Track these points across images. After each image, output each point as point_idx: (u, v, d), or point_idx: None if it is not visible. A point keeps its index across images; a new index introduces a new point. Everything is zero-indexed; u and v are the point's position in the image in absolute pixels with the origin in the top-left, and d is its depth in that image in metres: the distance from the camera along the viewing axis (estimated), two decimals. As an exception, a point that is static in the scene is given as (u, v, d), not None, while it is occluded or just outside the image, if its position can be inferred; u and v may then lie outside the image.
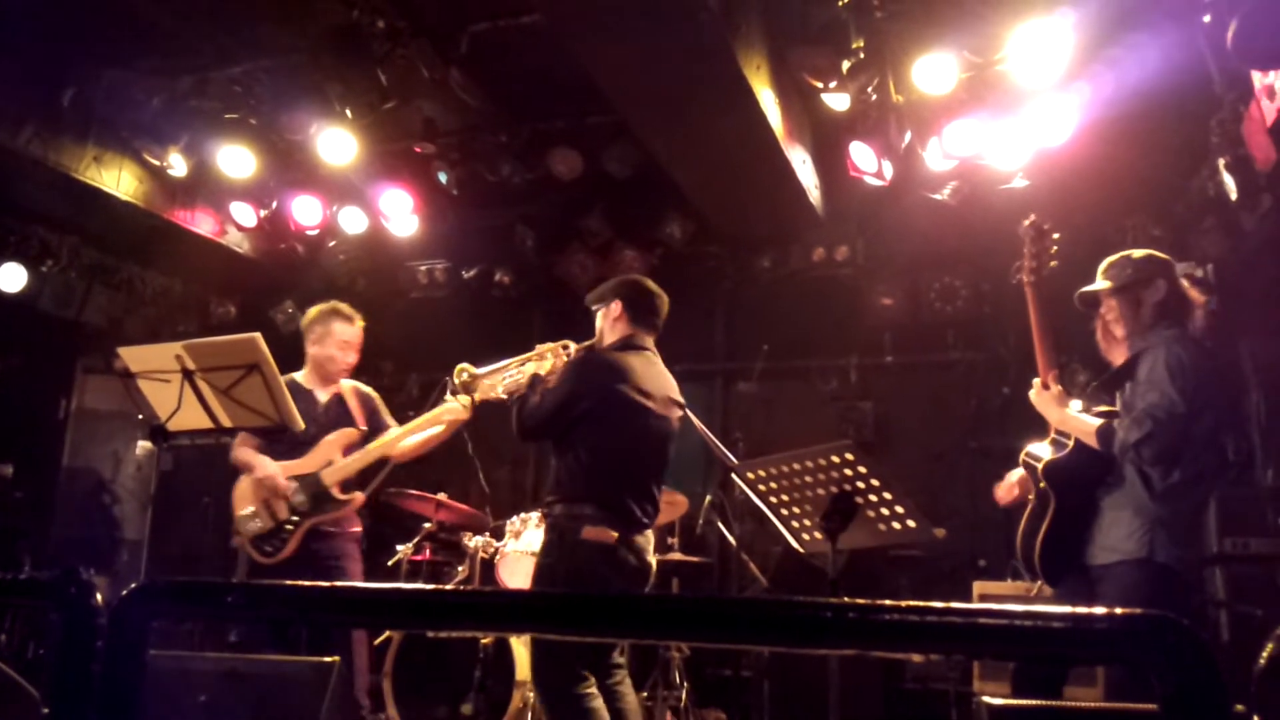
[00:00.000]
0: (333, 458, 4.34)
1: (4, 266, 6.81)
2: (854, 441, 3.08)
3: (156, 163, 6.30)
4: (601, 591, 3.37)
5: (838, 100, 5.20)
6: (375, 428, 4.57)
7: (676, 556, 5.50)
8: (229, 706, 2.61)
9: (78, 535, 7.33)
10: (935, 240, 6.52)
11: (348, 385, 4.64)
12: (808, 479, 3.06)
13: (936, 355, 6.78)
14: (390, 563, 5.40)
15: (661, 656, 5.40)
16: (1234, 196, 4.96)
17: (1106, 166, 5.60)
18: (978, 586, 5.20)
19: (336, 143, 5.92)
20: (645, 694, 5.23)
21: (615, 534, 3.43)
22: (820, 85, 5.09)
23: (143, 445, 7.61)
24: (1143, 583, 2.88)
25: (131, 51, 5.76)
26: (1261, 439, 5.49)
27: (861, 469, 2.94)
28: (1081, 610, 1.12)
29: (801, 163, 5.87)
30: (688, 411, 3.99)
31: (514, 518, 5.21)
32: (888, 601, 1.17)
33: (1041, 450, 3.19)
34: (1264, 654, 1.23)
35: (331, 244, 7.53)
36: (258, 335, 3.66)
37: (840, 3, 4.78)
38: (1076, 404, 3.21)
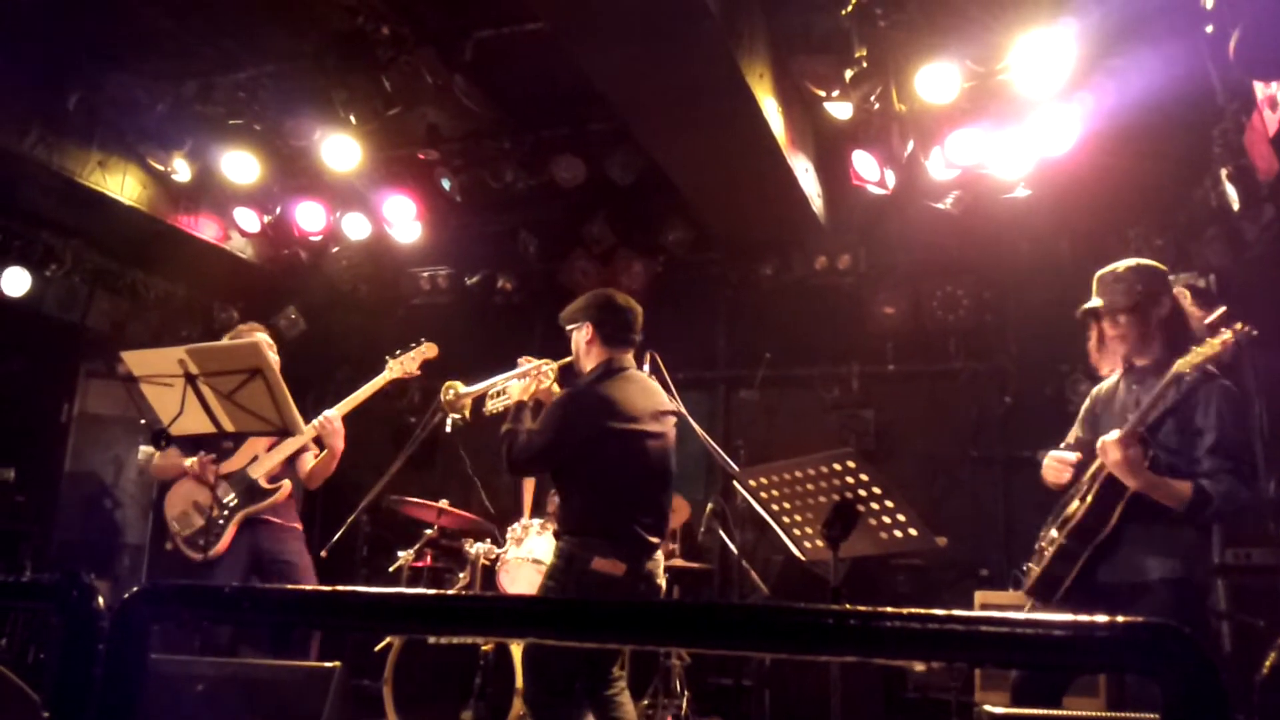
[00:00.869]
0: (257, 453, 4.50)
1: (8, 270, 6.82)
2: (855, 450, 3.07)
3: (160, 168, 6.32)
4: None
5: (840, 109, 5.21)
6: None
7: (678, 563, 5.49)
8: (230, 711, 2.61)
9: (79, 539, 7.33)
10: (937, 249, 6.53)
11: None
12: (809, 487, 3.05)
13: (938, 364, 6.78)
14: (391, 568, 5.40)
15: (662, 665, 5.40)
16: (1236, 207, 4.97)
17: (1108, 176, 5.61)
18: (979, 596, 5.19)
19: (340, 149, 5.94)
20: (646, 702, 5.22)
21: (624, 566, 3.42)
22: (823, 94, 5.10)
23: (145, 450, 7.61)
24: (1176, 601, 2.85)
25: (136, 56, 5.78)
26: (1264, 449, 5.48)
27: (863, 477, 2.93)
28: (1083, 619, 1.12)
29: (804, 171, 5.88)
30: (688, 418, 3.99)
31: (515, 524, 5.21)
32: (889, 609, 1.17)
33: (1098, 502, 3.00)
34: (1266, 664, 1.22)
35: (334, 250, 7.54)
36: (260, 340, 3.67)
37: (843, 11, 4.79)
38: None
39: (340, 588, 1.44)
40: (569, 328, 3.83)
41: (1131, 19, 4.66)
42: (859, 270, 6.78)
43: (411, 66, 5.22)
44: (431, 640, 4.94)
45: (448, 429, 4.41)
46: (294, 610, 1.55)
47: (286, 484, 4.53)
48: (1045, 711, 2.60)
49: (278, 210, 6.85)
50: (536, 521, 5.18)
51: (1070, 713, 2.67)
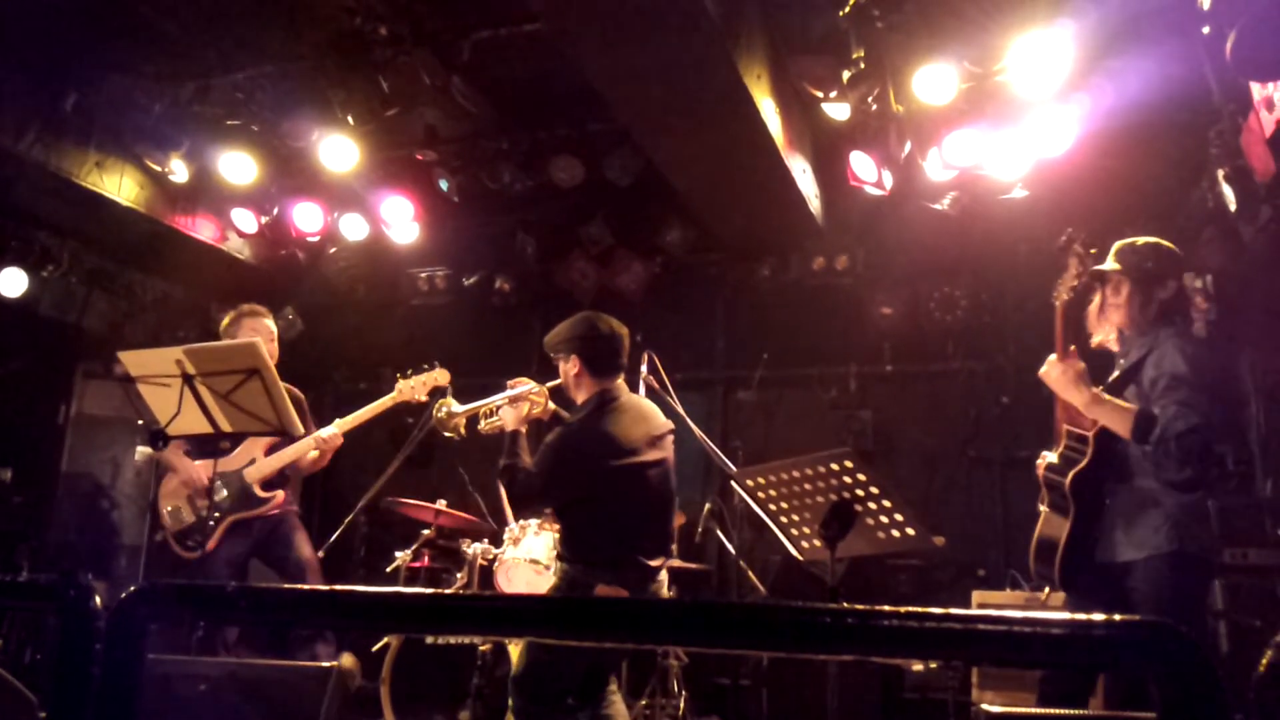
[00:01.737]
0: (255, 456, 4.51)
1: (4, 271, 6.81)
2: (853, 449, 3.07)
3: (158, 168, 6.31)
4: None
5: (838, 110, 5.22)
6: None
7: (675, 564, 5.48)
8: (227, 711, 2.61)
9: (76, 540, 7.32)
10: (935, 250, 6.53)
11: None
12: (807, 486, 3.06)
13: (936, 364, 6.78)
14: (389, 569, 5.39)
15: (660, 665, 5.39)
16: (1233, 207, 4.97)
17: (1106, 177, 5.62)
18: (977, 596, 5.20)
19: (338, 149, 5.94)
20: (644, 702, 5.22)
21: (626, 593, 3.42)
22: (820, 95, 5.11)
23: (142, 451, 7.59)
24: (1177, 574, 2.88)
25: (134, 57, 5.78)
26: (1261, 450, 5.49)
27: (861, 477, 2.94)
28: (1080, 616, 1.12)
29: (802, 172, 5.89)
30: (685, 419, 4.00)
31: (513, 524, 5.21)
32: (886, 607, 1.17)
33: (1059, 462, 3.14)
34: (1263, 662, 1.23)
35: (332, 251, 7.54)
36: (258, 340, 3.67)
37: (841, 12, 4.79)
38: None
39: (338, 587, 1.44)
40: (553, 356, 3.79)
41: (1128, 20, 4.66)
42: (856, 271, 6.78)
43: (409, 67, 5.22)
44: (429, 640, 4.94)
45: (446, 434, 4.42)
46: (292, 610, 1.55)
47: (280, 495, 4.56)
48: (1038, 710, 2.61)
49: (275, 211, 6.85)
50: (534, 522, 5.18)
51: (1066, 711, 2.67)
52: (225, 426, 3.77)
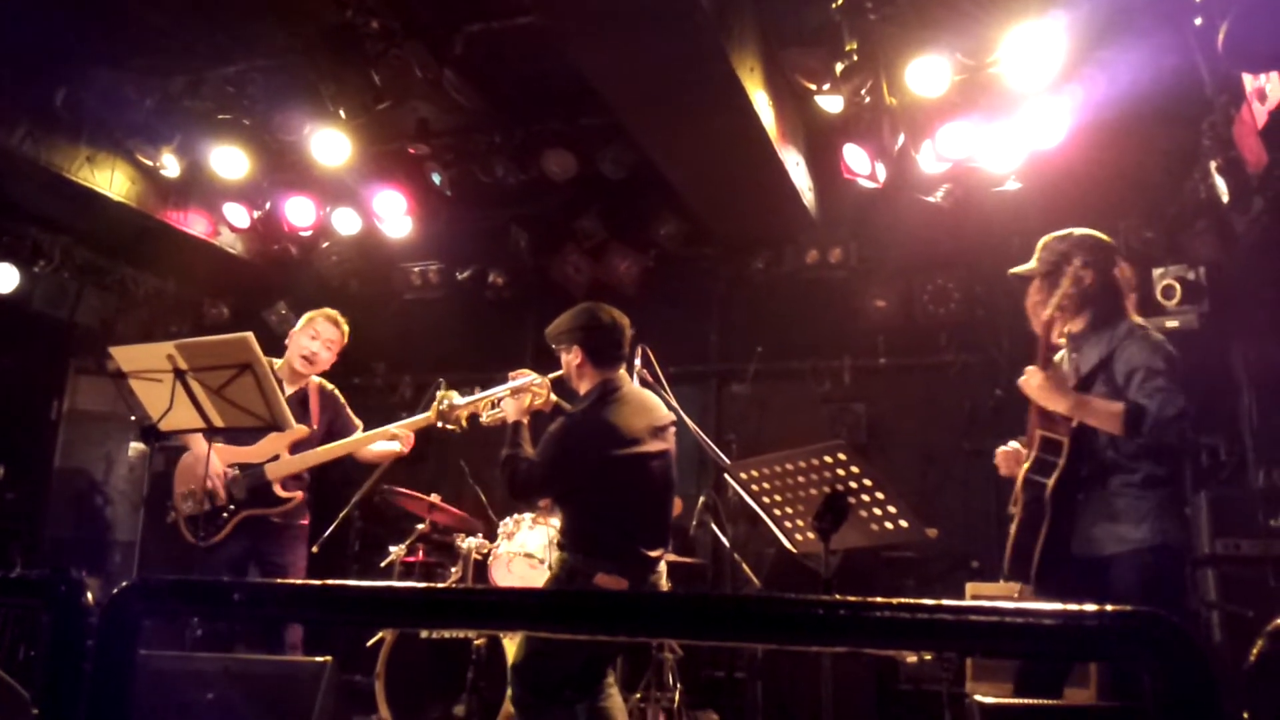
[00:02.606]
0: (278, 451, 4.36)
1: (-5, 267, 6.79)
2: (847, 442, 3.08)
3: (149, 163, 6.29)
4: None
5: (831, 102, 5.21)
6: (337, 429, 4.59)
7: (670, 557, 5.49)
8: (221, 706, 2.61)
9: (70, 537, 7.30)
10: (928, 243, 6.53)
11: (314, 383, 4.63)
12: (800, 479, 3.06)
13: (929, 357, 6.79)
14: (383, 564, 5.39)
15: (655, 658, 5.40)
16: (1226, 199, 4.98)
17: (1099, 169, 5.62)
18: (970, 588, 5.21)
19: (330, 143, 5.92)
20: (639, 695, 5.22)
21: (626, 582, 3.43)
22: (813, 87, 5.10)
23: (135, 447, 7.58)
24: (1159, 567, 2.91)
25: (124, 51, 5.74)
26: (1253, 440, 5.50)
27: (854, 469, 2.94)
28: (1073, 607, 1.13)
29: (795, 165, 5.88)
30: (680, 412, 3.99)
31: (507, 519, 5.21)
32: (879, 599, 1.17)
33: (1034, 467, 3.12)
34: (1254, 651, 1.23)
35: (325, 245, 7.51)
36: (249, 335, 3.66)
37: (834, 4, 4.79)
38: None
39: (331, 582, 1.44)
40: (555, 347, 3.79)
41: (1120, 12, 4.66)
42: (850, 264, 6.78)
43: (401, 60, 5.20)
44: (424, 635, 4.94)
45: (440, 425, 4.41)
46: (284, 604, 1.55)
47: (299, 496, 4.44)
48: (1033, 701, 2.62)
49: (267, 205, 6.83)
50: (528, 516, 5.18)
51: (1058, 703, 2.68)
52: (217, 421, 3.76)
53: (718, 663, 6.28)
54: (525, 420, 3.73)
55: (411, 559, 5.49)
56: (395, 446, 4.50)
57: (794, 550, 3.31)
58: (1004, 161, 5.48)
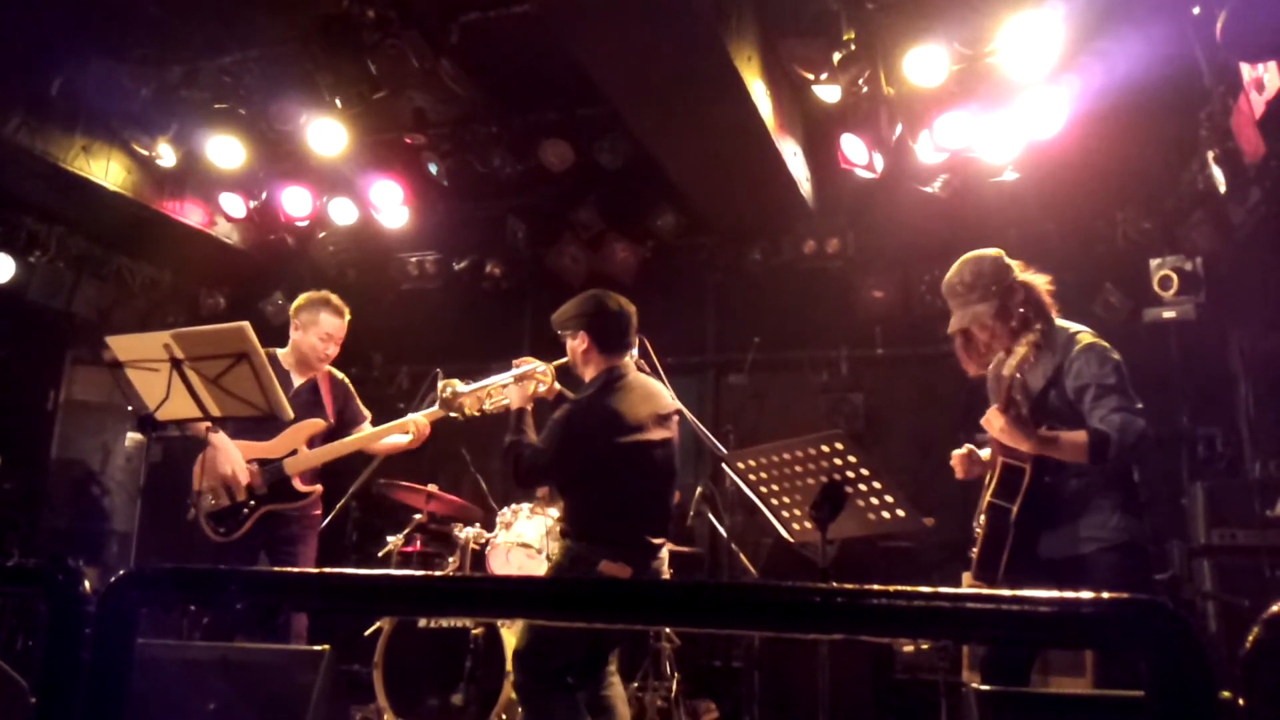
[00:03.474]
0: (297, 446, 4.33)
1: (-9, 257, 6.78)
2: (844, 431, 3.08)
3: (145, 153, 6.27)
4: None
5: (829, 92, 5.20)
6: (347, 418, 4.56)
7: (668, 546, 5.50)
8: (219, 695, 2.61)
9: (67, 527, 7.30)
10: (926, 233, 6.53)
11: (325, 371, 4.62)
12: (798, 469, 3.07)
13: (927, 348, 6.78)
14: (380, 554, 5.40)
15: (652, 647, 5.41)
16: (1223, 189, 4.98)
17: (1096, 159, 5.62)
18: (966, 578, 5.20)
19: (326, 133, 5.91)
20: (636, 685, 5.23)
21: (630, 570, 3.44)
22: (811, 77, 5.09)
23: (132, 437, 7.58)
24: (1128, 562, 2.94)
25: (120, 40, 5.72)
26: (1249, 431, 5.52)
27: (851, 459, 2.95)
28: (1069, 595, 1.13)
29: (792, 155, 5.87)
30: (679, 405, 3.99)
31: (505, 509, 5.22)
32: (875, 586, 1.17)
33: (999, 488, 3.10)
34: (1250, 638, 1.24)
35: (321, 235, 7.50)
36: (246, 324, 3.65)
37: (832, -6, 4.79)
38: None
39: (329, 569, 1.44)
40: (561, 333, 3.78)
41: (1118, 1, 4.66)
42: (847, 254, 6.77)
43: (397, 50, 5.19)
44: (421, 624, 4.94)
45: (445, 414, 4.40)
46: (281, 592, 1.55)
47: (318, 489, 4.42)
48: (1034, 690, 2.63)
49: (263, 195, 6.81)
50: (526, 506, 5.18)
51: (1059, 690, 2.69)
52: (214, 411, 3.76)
53: (715, 652, 6.30)
54: (529, 407, 3.73)
55: (409, 549, 5.50)
56: (406, 439, 4.48)
57: (791, 539, 3.32)
58: (1001, 152, 5.48)
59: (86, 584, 1.48)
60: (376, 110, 5.74)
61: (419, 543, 5.58)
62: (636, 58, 4.82)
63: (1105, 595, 1.13)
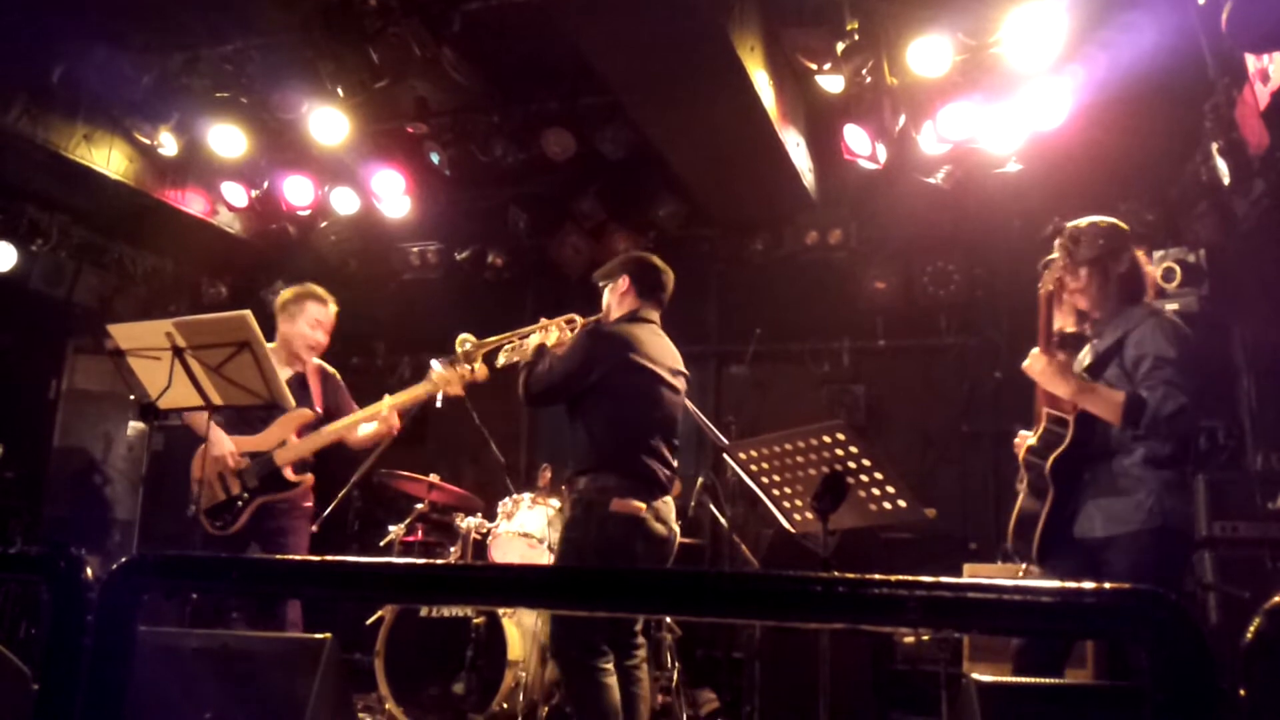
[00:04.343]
0: (286, 437, 4.33)
1: (-7, 246, 6.78)
2: (845, 422, 3.08)
3: (147, 141, 6.26)
4: (630, 563, 3.43)
5: (832, 82, 5.18)
6: (335, 409, 4.56)
7: (677, 528, 5.51)
8: (220, 683, 2.62)
9: (69, 515, 7.31)
10: (929, 224, 6.52)
11: (314, 365, 4.62)
12: (799, 459, 3.07)
13: (929, 339, 6.79)
14: (382, 543, 5.41)
15: (653, 637, 5.42)
16: (1227, 181, 4.96)
17: (1100, 151, 5.60)
18: (968, 569, 5.22)
19: (328, 122, 5.89)
20: (637, 674, 5.25)
21: (642, 505, 3.48)
22: (814, 67, 5.08)
23: (134, 426, 7.58)
24: (1157, 549, 2.91)
25: (122, 28, 5.70)
26: (1251, 424, 5.51)
27: (853, 449, 2.95)
28: (1070, 585, 1.13)
29: (795, 145, 5.86)
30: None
31: (506, 499, 5.22)
32: (877, 576, 1.17)
33: (1039, 444, 3.14)
34: (1251, 629, 1.23)
35: (323, 225, 7.49)
36: (248, 313, 3.65)
37: (836, -17, 4.77)
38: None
39: (330, 558, 1.44)
40: (603, 283, 3.93)
41: (1124, -9, 4.64)
42: (850, 245, 6.76)
43: (399, 38, 5.17)
44: (423, 613, 4.96)
45: (437, 404, 4.42)
46: (286, 580, 1.55)
47: (309, 478, 4.43)
48: (1031, 680, 2.63)
49: (265, 184, 6.80)
50: (527, 496, 5.19)
51: (1056, 680, 2.69)
52: (216, 399, 3.76)
53: (715, 642, 6.31)
54: (548, 345, 3.81)
55: (410, 538, 5.51)
56: (374, 427, 4.46)
57: (793, 530, 3.32)
58: (1005, 143, 5.46)
59: (89, 571, 1.48)
60: (378, 99, 5.72)
61: (420, 532, 5.59)
62: (639, 47, 4.80)
63: (1107, 586, 1.13)
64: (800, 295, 6.99)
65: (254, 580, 1.51)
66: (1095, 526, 2.99)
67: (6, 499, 6.99)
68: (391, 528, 5.45)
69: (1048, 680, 2.70)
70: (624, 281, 3.83)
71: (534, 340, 3.84)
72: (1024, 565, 3.23)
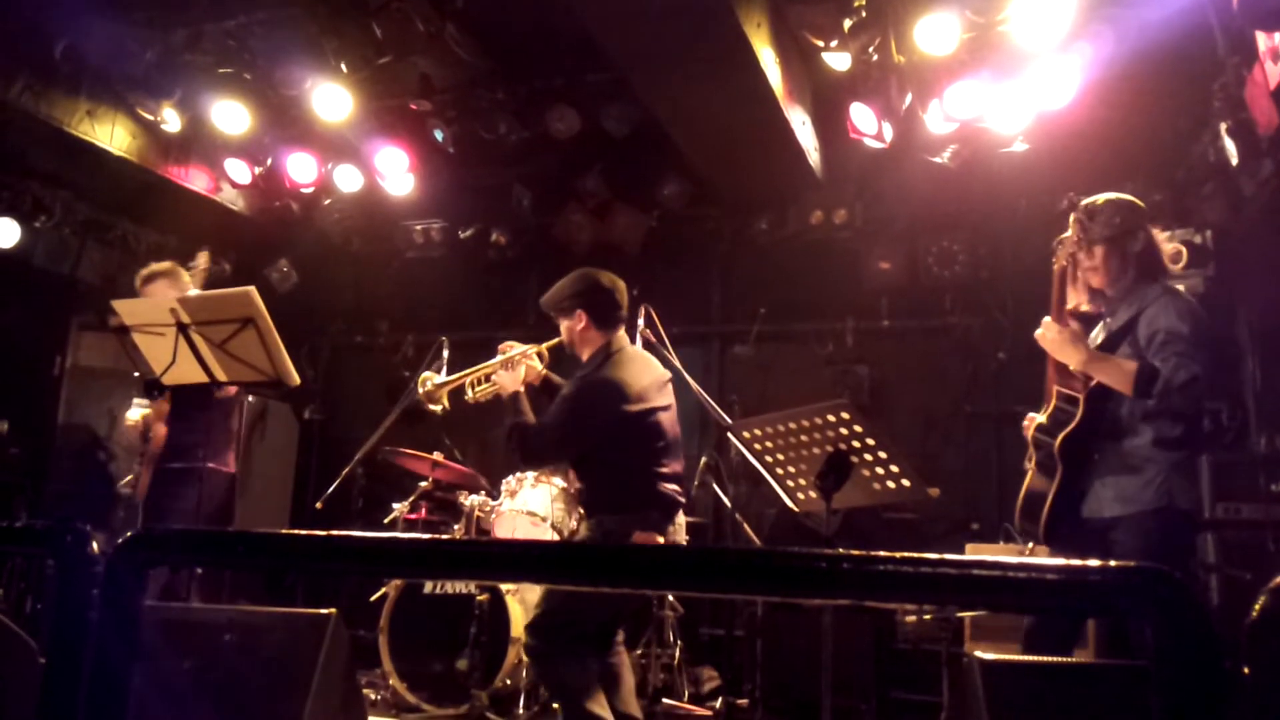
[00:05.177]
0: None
1: (-4, 222, 6.76)
2: (850, 401, 3.08)
3: (150, 117, 6.23)
4: None
5: (838, 60, 5.15)
6: None
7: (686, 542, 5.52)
8: (225, 657, 2.63)
9: (73, 492, 7.33)
10: (934, 204, 6.49)
11: None
12: (804, 438, 3.07)
13: (933, 320, 6.77)
14: (386, 520, 5.43)
15: (655, 615, 5.45)
16: (1235, 161, 4.93)
17: (1107, 130, 5.56)
18: (970, 549, 5.23)
19: (331, 98, 5.87)
20: (639, 652, 5.28)
21: (661, 539, 3.49)
22: (821, 44, 5.04)
23: (138, 403, 7.60)
24: (1164, 530, 2.91)
25: (124, 3, 5.67)
26: (1256, 406, 5.50)
27: (857, 428, 2.95)
28: (1075, 563, 1.13)
29: (801, 124, 5.82)
30: (682, 372, 4.01)
31: (510, 477, 5.23)
32: (883, 552, 1.17)
33: (1048, 423, 3.14)
34: (1256, 607, 1.23)
35: (326, 202, 7.47)
36: (252, 289, 3.65)
37: (843, -40, 4.72)
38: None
39: (335, 532, 1.44)
40: (555, 316, 3.81)
41: (1134, -32, 4.60)
42: (855, 225, 6.73)
43: (403, 13, 5.13)
44: (426, 590, 4.98)
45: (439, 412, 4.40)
46: (291, 555, 1.56)
47: (161, 430, 4.27)
48: (1034, 658, 2.63)
49: (269, 161, 6.77)
50: (531, 474, 5.20)
51: (1059, 660, 2.70)
52: (221, 376, 3.77)
53: (718, 621, 6.34)
54: (522, 390, 3.73)
55: (414, 516, 5.53)
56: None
57: (796, 509, 3.32)
58: (1012, 122, 5.43)
59: (94, 545, 1.49)
60: (382, 75, 5.69)
61: (424, 510, 5.61)
62: (645, 22, 4.77)
63: (1112, 564, 1.13)
64: (804, 275, 6.97)
65: (259, 555, 1.51)
66: (1104, 506, 3.00)
67: (11, 475, 7.01)
68: (395, 505, 5.47)
69: (1050, 658, 2.70)
70: (580, 318, 3.70)
71: (506, 384, 3.73)
72: (1029, 545, 3.24)
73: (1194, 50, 4.82)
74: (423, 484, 5.50)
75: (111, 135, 6.34)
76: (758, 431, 3.21)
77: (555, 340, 3.89)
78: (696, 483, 5.80)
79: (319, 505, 4.90)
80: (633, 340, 4.24)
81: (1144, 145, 5.76)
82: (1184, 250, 5.50)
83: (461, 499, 5.30)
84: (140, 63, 5.87)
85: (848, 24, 4.87)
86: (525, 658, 4.78)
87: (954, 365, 6.68)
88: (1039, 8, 4.67)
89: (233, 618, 2.73)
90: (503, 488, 5.22)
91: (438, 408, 3.93)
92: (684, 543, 3.68)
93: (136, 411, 4.33)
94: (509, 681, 4.83)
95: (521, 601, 4.87)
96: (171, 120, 6.24)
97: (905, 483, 2.99)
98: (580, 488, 3.80)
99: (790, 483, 3.25)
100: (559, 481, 5.12)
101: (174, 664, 2.57)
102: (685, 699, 5.38)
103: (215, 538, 1.57)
